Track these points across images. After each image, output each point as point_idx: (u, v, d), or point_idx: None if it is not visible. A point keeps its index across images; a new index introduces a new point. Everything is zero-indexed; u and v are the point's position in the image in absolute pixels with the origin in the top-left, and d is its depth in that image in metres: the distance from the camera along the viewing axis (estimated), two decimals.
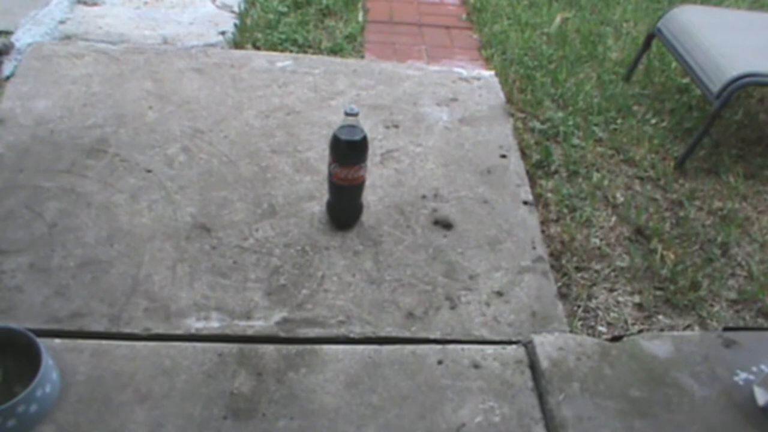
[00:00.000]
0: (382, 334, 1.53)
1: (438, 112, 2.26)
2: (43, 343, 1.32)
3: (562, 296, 1.72)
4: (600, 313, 1.72)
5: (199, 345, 1.45)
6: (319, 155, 1.98)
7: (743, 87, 2.15)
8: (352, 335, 1.52)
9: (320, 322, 1.54)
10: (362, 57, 2.66)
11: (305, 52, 2.61)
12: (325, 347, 1.48)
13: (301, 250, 1.70)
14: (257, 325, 1.51)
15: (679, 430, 1.38)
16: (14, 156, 1.86)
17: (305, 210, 1.82)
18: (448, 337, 1.55)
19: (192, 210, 1.77)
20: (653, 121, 2.47)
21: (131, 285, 1.55)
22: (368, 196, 1.86)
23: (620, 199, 2.09)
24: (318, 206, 1.83)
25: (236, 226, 1.74)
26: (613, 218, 2.01)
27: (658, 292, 1.79)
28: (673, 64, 2.81)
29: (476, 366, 1.48)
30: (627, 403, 1.42)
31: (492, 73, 2.56)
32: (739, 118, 2.60)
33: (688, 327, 1.71)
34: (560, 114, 2.41)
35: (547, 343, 1.52)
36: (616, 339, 1.58)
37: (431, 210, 1.87)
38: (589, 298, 1.74)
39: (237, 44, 2.59)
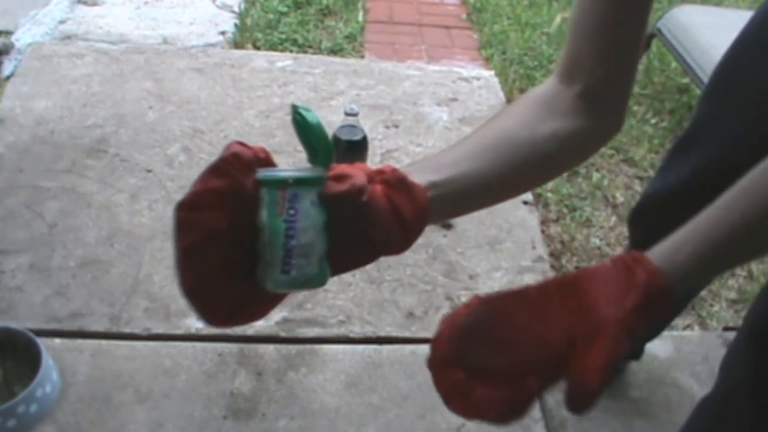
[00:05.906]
0: (382, 334, 1.53)
1: (438, 112, 2.26)
2: (43, 343, 1.32)
3: None
4: None
5: (199, 345, 1.45)
6: None
7: None
8: (352, 335, 1.52)
9: (320, 322, 1.54)
10: (362, 57, 2.66)
11: (305, 52, 2.61)
12: (325, 347, 1.49)
13: None
14: (257, 324, 1.51)
15: None
16: (14, 156, 1.86)
17: None
18: None
19: None
20: (653, 121, 2.47)
21: (131, 285, 1.55)
22: None
23: (620, 199, 2.09)
24: None
25: None
26: (613, 218, 2.01)
27: None
28: (673, 64, 2.81)
29: None
30: (627, 403, 1.42)
31: (492, 73, 2.56)
32: None
33: (688, 327, 1.71)
34: None
35: None
36: None
37: None
38: None
39: (237, 44, 2.59)
